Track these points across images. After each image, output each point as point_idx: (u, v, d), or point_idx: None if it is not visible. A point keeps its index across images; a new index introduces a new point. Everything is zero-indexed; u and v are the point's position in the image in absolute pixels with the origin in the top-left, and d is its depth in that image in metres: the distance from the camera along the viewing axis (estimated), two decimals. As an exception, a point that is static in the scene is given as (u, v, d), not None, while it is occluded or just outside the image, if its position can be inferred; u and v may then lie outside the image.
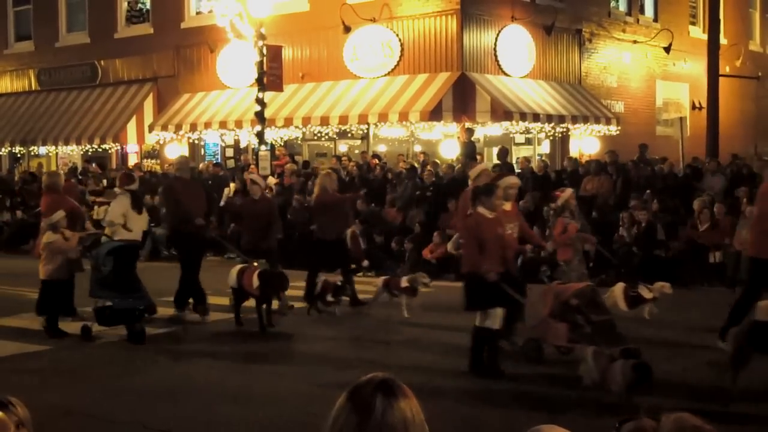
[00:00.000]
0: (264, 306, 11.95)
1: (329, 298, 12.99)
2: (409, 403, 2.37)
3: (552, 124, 23.89)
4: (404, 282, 12.77)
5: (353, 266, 15.08)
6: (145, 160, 29.23)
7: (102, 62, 29.83)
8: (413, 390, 2.43)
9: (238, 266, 12.39)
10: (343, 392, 2.46)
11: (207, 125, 26.15)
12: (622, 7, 28.49)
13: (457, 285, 15.73)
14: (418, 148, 24.83)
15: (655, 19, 29.27)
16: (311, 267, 13.74)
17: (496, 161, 21.81)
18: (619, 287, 12.34)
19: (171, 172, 23.08)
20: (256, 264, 12.31)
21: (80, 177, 26.72)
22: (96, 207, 22.64)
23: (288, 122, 24.23)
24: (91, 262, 11.65)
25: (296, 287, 12.95)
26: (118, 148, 29.14)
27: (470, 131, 22.30)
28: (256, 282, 11.72)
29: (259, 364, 10.05)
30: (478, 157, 22.18)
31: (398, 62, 23.59)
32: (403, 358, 10.15)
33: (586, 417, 7.60)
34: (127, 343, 11.14)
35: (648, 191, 18.07)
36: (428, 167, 20.95)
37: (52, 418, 7.38)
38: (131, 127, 28.39)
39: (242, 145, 27.15)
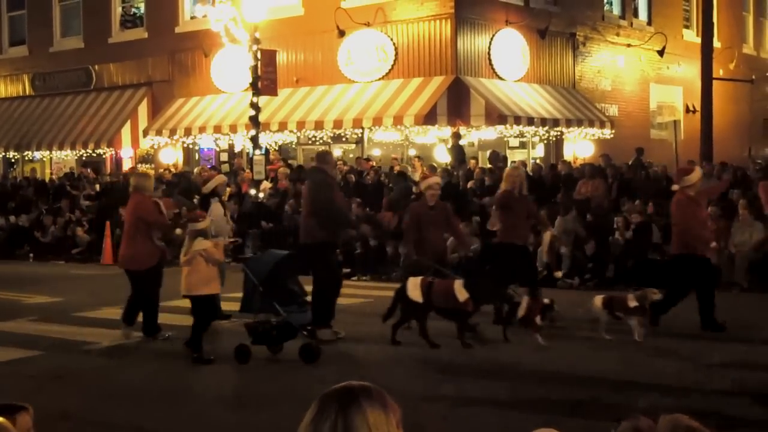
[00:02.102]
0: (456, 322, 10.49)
1: (538, 320, 10.77)
2: (373, 413, 2.36)
3: (546, 128, 23.94)
4: (632, 301, 10.78)
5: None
6: (140, 165, 29.18)
7: (96, 67, 29.81)
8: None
9: (417, 278, 10.71)
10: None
11: (201, 130, 26.15)
12: (616, 10, 28.56)
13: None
14: (412, 152, 24.86)
15: (649, 23, 29.34)
16: (500, 278, 11.85)
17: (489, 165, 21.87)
18: None
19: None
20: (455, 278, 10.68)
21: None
22: None
23: (282, 126, 24.24)
24: (248, 274, 10.25)
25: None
26: (113, 152, 29.13)
27: (458, 135, 22.33)
28: (464, 294, 10.21)
29: (254, 368, 10.03)
30: (473, 161, 22.23)
31: (393, 66, 23.63)
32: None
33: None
34: (115, 349, 11.10)
35: (637, 201, 17.94)
36: (423, 170, 20.94)
37: (48, 423, 7.34)
38: (125, 131, 28.39)
39: (237, 149, 27.16)
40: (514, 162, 19.93)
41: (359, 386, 2.42)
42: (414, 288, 10.54)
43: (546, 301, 10.97)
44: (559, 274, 16.19)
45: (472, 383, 9.01)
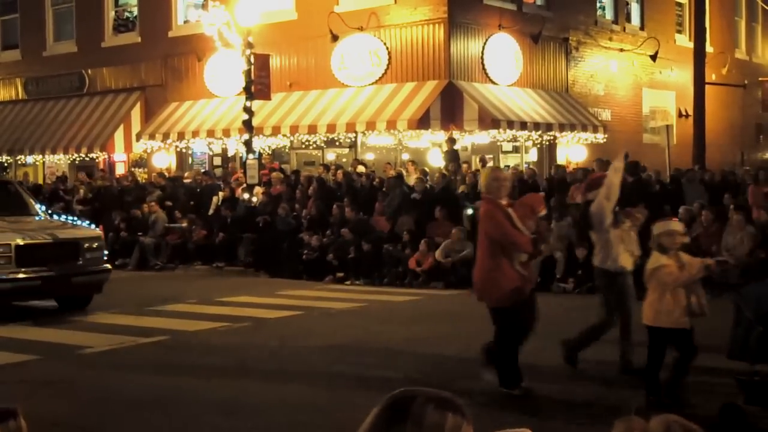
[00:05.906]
0: None
1: None
2: (460, 423, 2.24)
3: (539, 132, 23.98)
4: None
5: None
6: (133, 169, 29.16)
7: (89, 71, 29.77)
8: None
9: None
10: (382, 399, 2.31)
11: (195, 134, 26.13)
12: (609, 15, 28.62)
13: (445, 293, 15.79)
14: (405, 157, 24.87)
15: (642, 28, 29.42)
16: None
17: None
18: None
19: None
20: None
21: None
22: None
23: (276, 131, 24.23)
24: (743, 309, 7.46)
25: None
26: (106, 157, 29.10)
27: (452, 140, 22.37)
28: None
29: (247, 374, 10.03)
30: (464, 165, 22.24)
31: (386, 71, 23.63)
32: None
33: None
34: (109, 354, 11.04)
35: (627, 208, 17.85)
36: (417, 175, 20.95)
37: (40, 429, 7.34)
38: (119, 136, 28.34)
39: (230, 153, 27.14)
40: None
41: (452, 398, 2.28)
42: None
43: None
44: None
45: None
